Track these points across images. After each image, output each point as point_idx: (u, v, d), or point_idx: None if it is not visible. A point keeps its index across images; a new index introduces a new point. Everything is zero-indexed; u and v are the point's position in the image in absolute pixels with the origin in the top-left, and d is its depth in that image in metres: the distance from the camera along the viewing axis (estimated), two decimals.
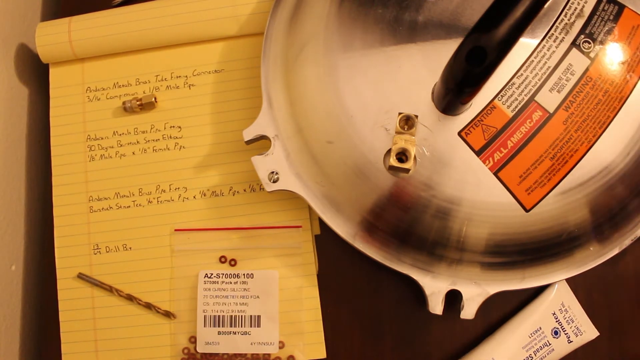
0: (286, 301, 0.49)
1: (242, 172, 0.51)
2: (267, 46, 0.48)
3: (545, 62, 0.41)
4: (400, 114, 0.40)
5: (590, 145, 0.40)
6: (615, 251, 0.43)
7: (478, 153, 0.40)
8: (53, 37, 0.52)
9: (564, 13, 0.41)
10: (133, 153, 0.52)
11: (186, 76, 0.53)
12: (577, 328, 0.46)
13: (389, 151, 0.41)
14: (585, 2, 0.41)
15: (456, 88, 0.35)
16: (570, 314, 0.46)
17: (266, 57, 0.47)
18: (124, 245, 0.51)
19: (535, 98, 0.40)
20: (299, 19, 0.46)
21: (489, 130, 0.40)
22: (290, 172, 0.45)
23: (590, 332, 0.47)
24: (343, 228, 0.45)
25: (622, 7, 0.42)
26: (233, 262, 0.50)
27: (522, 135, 0.40)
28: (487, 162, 0.40)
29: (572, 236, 0.42)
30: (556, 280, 0.43)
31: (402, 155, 0.40)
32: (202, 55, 0.53)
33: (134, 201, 0.52)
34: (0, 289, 0.51)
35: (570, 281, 0.47)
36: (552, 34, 0.41)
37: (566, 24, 0.41)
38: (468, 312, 0.43)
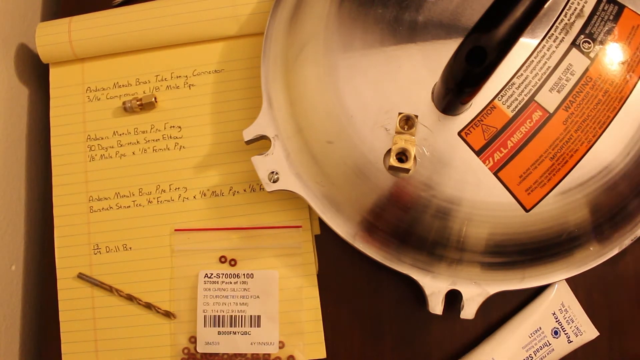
0: (286, 301, 0.49)
1: (242, 172, 0.51)
2: (267, 46, 0.48)
3: (545, 62, 0.41)
4: (400, 114, 0.40)
5: (590, 145, 0.40)
6: (615, 251, 0.43)
7: (478, 153, 0.40)
8: (53, 37, 0.52)
9: (564, 13, 0.41)
10: (133, 153, 0.52)
11: (186, 76, 0.53)
12: (577, 328, 0.46)
13: (389, 151, 0.41)
14: (585, 2, 0.41)
15: (456, 88, 0.35)
16: (570, 314, 0.46)
17: (266, 57, 0.47)
18: (124, 245, 0.51)
19: (535, 98, 0.40)
20: (299, 19, 0.46)
21: (489, 130, 0.40)
22: (290, 172, 0.45)
23: (590, 332, 0.47)
24: (343, 228, 0.44)
25: (622, 7, 0.42)
26: (233, 262, 0.50)
27: (522, 135, 0.40)
28: (487, 162, 0.40)
29: (572, 236, 0.42)
30: (556, 280, 0.43)
31: (402, 155, 0.40)
32: (202, 55, 0.53)
33: (134, 201, 0.52)
34: (0, 289, 0.51)
35: (570, 281, 0.47)
36: (552, 34, 0.41)
37: (566, 24, 0.41)
38: (468, 312, 0.43)
